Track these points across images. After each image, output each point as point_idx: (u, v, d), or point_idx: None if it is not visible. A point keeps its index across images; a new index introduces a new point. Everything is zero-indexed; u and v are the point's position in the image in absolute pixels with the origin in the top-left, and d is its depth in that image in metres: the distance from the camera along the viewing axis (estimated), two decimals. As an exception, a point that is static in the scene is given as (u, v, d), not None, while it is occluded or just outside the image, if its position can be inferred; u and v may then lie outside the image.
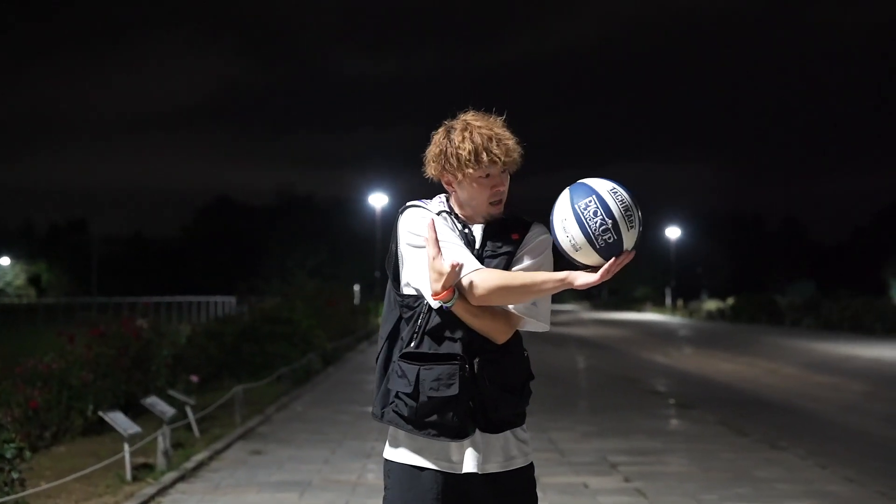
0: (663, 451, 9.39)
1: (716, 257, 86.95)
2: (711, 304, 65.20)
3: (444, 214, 2.91)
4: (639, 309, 78.27)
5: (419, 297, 2.83)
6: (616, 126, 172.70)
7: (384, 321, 2.95)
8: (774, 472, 8.23)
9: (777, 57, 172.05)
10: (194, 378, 11.93)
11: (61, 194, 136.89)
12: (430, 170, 2.91)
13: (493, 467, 2.82)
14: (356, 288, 44.91)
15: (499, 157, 2.81)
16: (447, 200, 2.96)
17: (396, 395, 2.80)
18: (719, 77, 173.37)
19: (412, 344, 2.80)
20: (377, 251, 47.10)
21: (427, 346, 2.78)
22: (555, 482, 7.69)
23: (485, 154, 2.80)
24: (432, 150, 2.90)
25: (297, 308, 19.47)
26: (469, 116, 2.89)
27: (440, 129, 2.91)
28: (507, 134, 2.86)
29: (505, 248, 2.86)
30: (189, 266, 77.30)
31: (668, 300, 76.76)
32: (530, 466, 2.93)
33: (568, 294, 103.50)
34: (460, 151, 2.82)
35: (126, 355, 10.80)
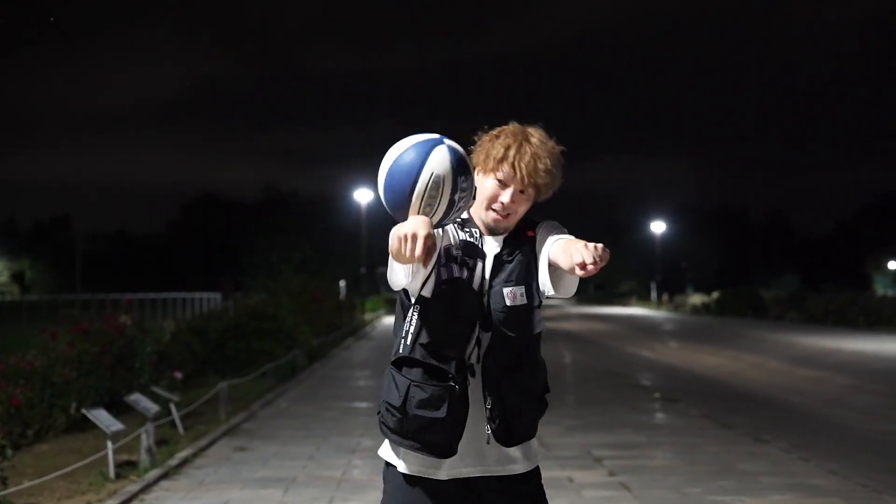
0: (648, 444, 9.41)
1: (701, 252, 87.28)
2: (697, 299, 65.41)
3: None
4: (624, 303, 78.44)
5: (409, 293, 2.77)
6: (599, 121, 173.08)
7: (396, 317, 2.87)
8: (758, 465, 8.26)
9: (760, 51, 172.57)
10: (178, 375, 11.89)
11: (44, 191, 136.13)
12: (474, 157, 2.82)
13: (498, 471, 2.78)
14: (342, 284, 44.84)
15: (519, 168, 2.72)
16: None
17: (386, 406, 2.72)
18: (702, 71, 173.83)
19: (401, 349, 2.72)
20: (363, 247, 46.95)
21: (419, 354, 2.68)
22: (540, 477, 7.67)
23: (511, 158, 2.72)
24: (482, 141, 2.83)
25: (282, 304, 19.42)
26: (533, 129, 2.80)
27: (500, 130, 2.83)
28: (549, 159, 2.74)
29: (525, 248, 2.80)
30: (174, 262, 77.04)
31: (654, 294, 76.99)
32: (538, 470, 2.91)
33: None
34: (494, 150, 2.76)
35: (109, 352, 10.75)
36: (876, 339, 28.64)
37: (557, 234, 2.79)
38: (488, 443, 2.73)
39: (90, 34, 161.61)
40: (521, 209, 2.80)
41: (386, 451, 2.84)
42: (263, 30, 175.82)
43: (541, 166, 2.72)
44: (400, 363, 2.70)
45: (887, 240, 74.91)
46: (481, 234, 2.80)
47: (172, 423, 9.83)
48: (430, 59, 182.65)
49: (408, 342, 2.71)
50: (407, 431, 2.68)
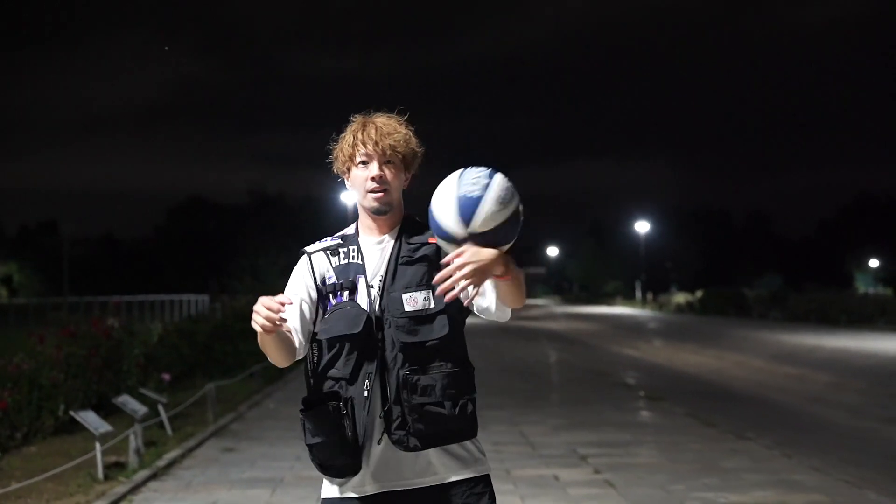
0: (632, 442, 9.50)
1: (684, 252, 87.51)
2: (680, 298, 65.64)
3: (320, 252, 2.84)
4: (609, 303, 78.64)
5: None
6: (578, 123, 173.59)
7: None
8: (741, 462, 8.36)
9: (739, 52, 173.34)
10: (166, 376, 11.92)
11: (31, 195, 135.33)
12: (335, 166, 2.86)
13: (417, 483, 2.69)
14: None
15: (369, 139, 2.74)
16: (356, 222, 2.87)
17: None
18: (680, 73, 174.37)
19: (306, 393, 2.77)
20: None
21: (315, 388, 2.73)
22: (526, 475, 7.77)
23: (360, 136, 2.76)
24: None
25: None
26: (376, 114, 2.84)
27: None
28: (396, 127, 2.78)
29: (423, 252, 2.75)
30: (161, 266, 76.74)
31: (639, 294, 77.24)
32: (478, 480, 2.73)
33: (539, 288, 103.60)
34: (344, 143, 2.80)
35: (97, 355, 10.77)
36: (857, 336, 28.85)
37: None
38: (379, 443, 2.68)
39: (73, 39, 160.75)
40: (396, 182, 2.78)
41: (324, 487, 2.83)
42: (245, 33, 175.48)
43: (388, 130, 2.76)
44: (303, 403, 2.72)
45: (868, 239, 75.38)
46: (359, 250, 2.79)
47: (160, 425, 9.86)
48: (411, 62, 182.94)
49: (310, 381, 2.76)
50: (318, 462, 2.73)
